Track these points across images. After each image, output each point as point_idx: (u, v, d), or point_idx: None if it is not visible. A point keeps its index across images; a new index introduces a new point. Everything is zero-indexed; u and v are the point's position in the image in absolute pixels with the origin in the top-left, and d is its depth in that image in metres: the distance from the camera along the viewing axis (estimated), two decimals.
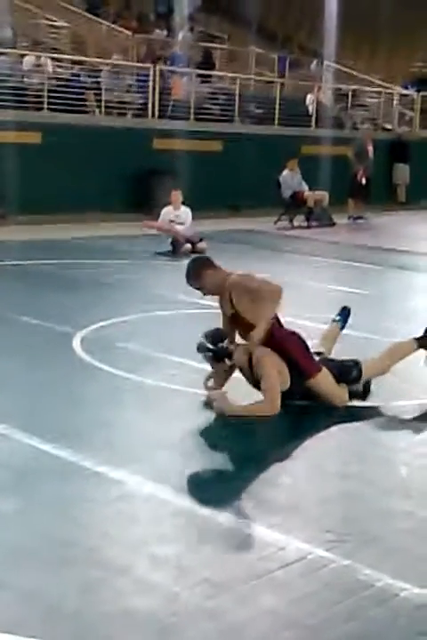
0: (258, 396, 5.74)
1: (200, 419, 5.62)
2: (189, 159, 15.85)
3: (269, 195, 16.59)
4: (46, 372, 6.44)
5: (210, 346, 5.69)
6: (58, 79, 17.06)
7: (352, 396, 5.96)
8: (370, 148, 18.08)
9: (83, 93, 16.95)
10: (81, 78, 17.49)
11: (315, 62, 23.67)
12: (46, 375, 6.35)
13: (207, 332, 5.79)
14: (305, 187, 16.86)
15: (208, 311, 7.02)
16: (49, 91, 16.13)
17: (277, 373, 5.63)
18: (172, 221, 12.88)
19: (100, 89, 17.06)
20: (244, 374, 5.85)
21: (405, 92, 23.75)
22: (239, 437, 5.42)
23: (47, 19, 19.48)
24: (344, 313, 6.73)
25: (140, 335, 7.59)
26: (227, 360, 5.77)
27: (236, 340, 5.94)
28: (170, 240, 12.72)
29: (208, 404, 5.70)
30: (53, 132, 15.41)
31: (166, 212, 12.97)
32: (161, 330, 7.95)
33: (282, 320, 5.92)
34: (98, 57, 18.65)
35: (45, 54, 17.17)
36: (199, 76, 19.48)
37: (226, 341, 5.75)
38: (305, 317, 7.52)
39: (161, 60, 19.22)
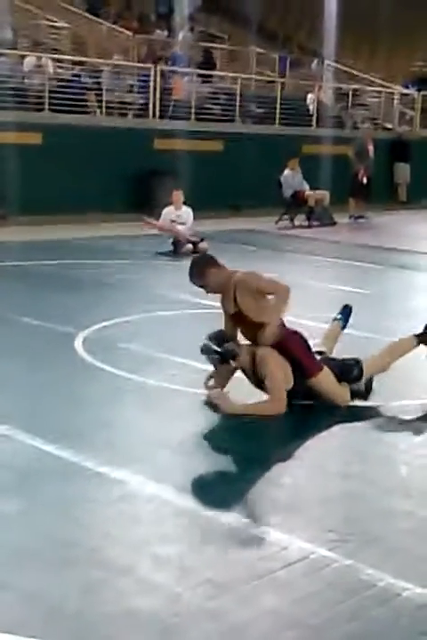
0: (260, 396, 5.75)
1: (202, 419, 5.62)
2: (190, 159, 15.85)
3: (271, 194, 16.59)
4: (48, 372, 6.45)
5: (216, 348, 5.67)
6: (58, 80, 17.07)
7: (354, 395, 5.96)
8: (371, 148, 18.08)
9: (83, 94, 16.95)
10: (82, 79, 17.49)
11: (315, 62, 23.67)
12: (48, 376, 6.36)
13: (211, 334, 5.78)
14: (306, 186, 16.86)
15: (210, 311, 7.03)
16: (50, 91, 16.14)
17: (281, 372, 5.63)
18: (173, 221, 12.88)
19: (100, 89, 17.07)
20: (246, 374, 5.85)
21: (405, 91, 23.74)
22: (241, 437, 5.43)
23: (48, 19, 19.48)
24: (346, 311, 6.74)
25: (141, 335, 7.59)
26: (232, 362, 5.76)
27: (238, 340, 5.94)
28: (171, 240, 12.73)
29: (209, 404, 5.70)
30: (54, 132, 15.42)
31: (168, 212, 12.98)
32: (163, 330, 7.95)
33: (284, 319, 5.92)
34: (99, 57, 18.65)
35: (46, 55, 17.18)
36: (200, 76, 19.48)
37: (231, 343, 5.75)
38: (306, 317, 7.52)
39: (162, 61, 19.23)
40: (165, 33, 22.08)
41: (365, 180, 17.74)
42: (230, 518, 4.17)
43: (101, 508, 4.27)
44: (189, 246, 12.59)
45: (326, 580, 3.63)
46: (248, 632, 3.27)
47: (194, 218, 13.03)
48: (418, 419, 5.82)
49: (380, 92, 22.90)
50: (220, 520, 4.16)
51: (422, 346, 6.22)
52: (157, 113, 17.59)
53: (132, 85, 18.29)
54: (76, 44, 19.71)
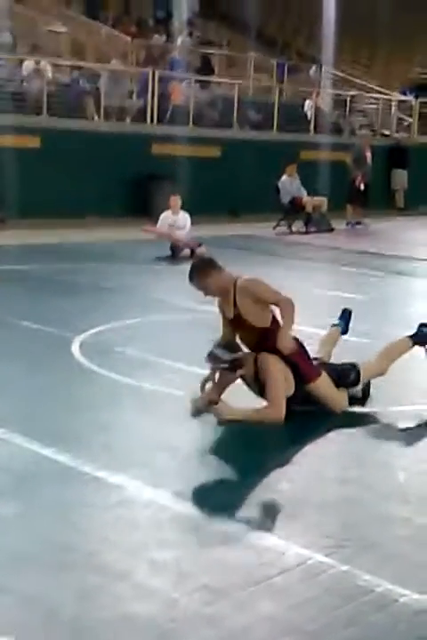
0: (259, 402, 5.74)
1: (200, 424, 5.62)
2: (187, 164, 15.88)
3: (268, 200, 16.61)
4: (45, 376, 6.44)
5: (225, 357, 5.65)
6: (57, 84, 17.10)
7: (352, 400, 5.96)
8: (368, 154, 18.12)
9: (82, 98, 16.97)
10: (80, 83, 17.52)
11: (314, 68, 23.72)
12: (45, 380, 6.36)
13: (217, 342, 5.77)
14: (304, 192, 16.88)
15: (207, 316, 7.02)
16: (48, 95, 16.16)
17: (283, 378, 5.63)
18: (170, 226, 12.89)
19: (99, 94, 17.08)
20: (247, 383, 5.83)
21: (403, 97, 23.79)
22: (239, 443, 5.42)
23: (46, 24, 19.49)
24: (345, 316, 6.72)
25: (138, 340, 7.59)
26: (238, 371, 5.73)
27: (240, 348, 5.92)
28: (169, 245, 12.73)
29: (198, 409, 5.68)
30: (52, 136, 15.43)
31: (165, 217, 12.99)
32: (160, 334, 7.95)
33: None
34: (97, 62, 18.68)
35: (45, 59, 17.20)
36: (198, 81, 19.51)
37: (239, 352, 5.73)
38: (304, 323, 7.51)
39: (160, 66, 19.25)
40: (164, 38, 22.12)
41: (362, 187, 17.77)
42: (228, 524, 4.16)
43: (99, 513, 4.27)
44: (187, 251, 12.60)
45: (323, 586, 3.63)
46: (245, 638, 3.27)
47: (192, 223, 13.04)
48: (416, 425, 5.83)
49: (378, 98, 22.95)
50: (217, 525, 4.16)
51: (416, 346, 6.24)
52: (155, 118, 17.61)
53: (130, 90, 18.31)
54: (75, 49, 19.75)
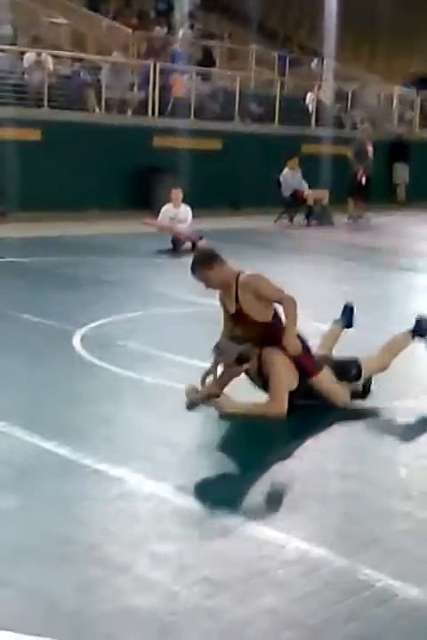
0: (261, 397, 5.73)
1: (201, 417, 5.62)
2: (189, 157, 15.85)
3: (270, 193, 16.59)
4: (46, 369, 6.44)
5: (234, 349, 5.63)
6: (58, 76, 17.06)
7: (353, 395, 5.95)
8: (370, 148, 18.07)
9: (83, 90, 16.94)
10: (81, 75, 17.49)
11: (315, 61, 23.68)
12: (46, 373, 6.35)
13: (224, 334, 5.77)
14: (305, 185, 16.86)
15: (208, 309, 7.02)
16: (49, 88, 16.13)
17: (286, 373, 5.61)
18: (171, 219, 12.88)
19: (100, 86, 17.05)
20: (251, 377, 5.83)
21: (404, 91, 23.75)
22: (240, 436, 5.43)
23: (47, 16, 19.46)
24: (346, 312, 6.69)
25: (140, 333, 7.59)
26: (245, 364, 5.72)
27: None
28: (170, 238, 12.72)
29: (192, 402, 5.68)
30: (53, 129, 15.41)
31: (166, 210, 12.97)
32: (161, 328, 7.94)
33: (284, 319, 5.90)
34: (98, 54, 18.64)
35: (46, 51, 17.16)
36: (199, 73, 19.47)
37: (247, 345, 5.71)
38: (305, 316, 7.50)
39: (161, 58, 19.21)
40: (165, 30, 22.07)
41: (364, 181, 17.73)
42: (228, 516, 4.16)
43: (100, 506, 4.27)
44: (188, 244, 12.59)
45: (324, 580, 3.63)
46: (246, 631, 3.27)
47: (193, 216, 13.02)
48: (418, 419, 5.82)
49: (379, 92, 22.90)
50: (218, 518, 4.16)
51: (417, 339, 6.24)
52: (157, 110, 17.58)
53: (131, 83, 18.28)
54: (76, 41, 19.71)
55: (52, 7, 20.02)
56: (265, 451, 5.27)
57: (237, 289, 5.70)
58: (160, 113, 17.63)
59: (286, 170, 16.84)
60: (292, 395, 5.67)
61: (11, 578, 3.53)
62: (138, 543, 3.89)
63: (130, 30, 20.43)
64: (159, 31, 21.82)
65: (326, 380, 5.80)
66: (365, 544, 3.97)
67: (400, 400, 6.12)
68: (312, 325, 7.08)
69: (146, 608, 3.36)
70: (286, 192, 16.77)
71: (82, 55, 18.32)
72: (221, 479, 4.72)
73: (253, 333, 5.77)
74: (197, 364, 6.15)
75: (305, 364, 5.75)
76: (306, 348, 5.82)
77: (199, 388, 5.77)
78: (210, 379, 5.87)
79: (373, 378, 6.12)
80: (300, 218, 16.83)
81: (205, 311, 7.45)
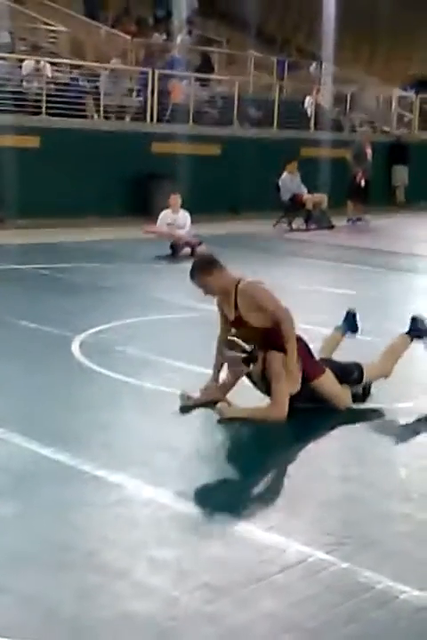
0: (262, 401, 5.72)
1: (199, 422, 5.61)
2: (188, 163, 15.85)
3: (269, 198, 16.58)
4: (45, 375, 6.43)
5: (245, 347, 5.61)
6: (56, 83, 17.06)
7: (352, 397, 5.94)
8: (369, 151, 18.09)
9: (81, 97, 16.95)
10: (80, 82, 17.50)
11: (314, 65, 23.68)
12: (45, 379, 6.34)
13: (223, 339, 5.77)
14: (304, 189, 16.85)
15: (207, 315, 7.00)
16: (48, 95, 16.13)
17: (288, 377, 5.59)
18: (170, 225, 12.87)
19: (98, 93, 17.06)
20: (254, 381, 5.81)
21: (403, 94, 23.76)
22: (240, 440, 5.41)
23: (46, 23, 19.48)
24: (348, 318, 6.64)
25: (139, 339, 7.58)
26: (252, 365, 5.71)
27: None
28: (169, 244, 12.72)
29: (186, 406, 5.67)
30: (52, 136, 15.41)
31: (165, 216, 12.97)
32: (160, 333, 7.93)
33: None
34: (97, 61, 18.65)
35: (44, 59, 17.18)
36: (198, 79, 19.48)
37: (254, 347, 5.70)
38: (305, 320, 7.50)
39: (160, 64, 19.22)
40: (163, 37, 22.09)
41: (363, 183, 17.74)
42: (228, 521, 4.15)
43: (98, 512, 4.25)
44: (187, 250, 12.59)
45: (324, 583, 3.61)
46: (246, 636, 3.25)
47: (192, 221, 13.02)
48: (417, 421, 5.81)
49: (378, 95, 22.91)
50: (217, 523, 4.15)
51: (416, 341, 6.23)
52: (155, 116, 17.59)
53: (130, 89, 18.29)
54: (75, 48, 19.71)
55: (50, 15, 20.03)
56: (265, 455, 5.26)
57: (236, 296, 5.69)
58: (159, 119, 17.63)
59: (284, 174, 16.84)
60: (294, 398, 5.65)
61: (9, 584, 3.51)
62: (137, 549, 3.88)
63: (128, 37, 20.44)
64: (158, 38, 21.84)
65: (328, 382, 5.79)
66: (365, 546, 3.96)
67: (400, 402, 6.10)
68: (311, 328, 7.07)
69: (145, 614, 3.34)
70: (285, 196, 16.77)
71: (80, 62, 18.34)
72: (221, 484, 4.70)
73: (254, 338, 5.75)
74: (196, 370, 6.15)
75: (307, 366, 5.73)
76: (308, 352, 5.81)
77: (191, 394, 5.76)
78: (223, 375, 5.82)
79: (372, 382, 6.11)
80: (299, 222, 16.83)
81: (204, 317, 7.44)
